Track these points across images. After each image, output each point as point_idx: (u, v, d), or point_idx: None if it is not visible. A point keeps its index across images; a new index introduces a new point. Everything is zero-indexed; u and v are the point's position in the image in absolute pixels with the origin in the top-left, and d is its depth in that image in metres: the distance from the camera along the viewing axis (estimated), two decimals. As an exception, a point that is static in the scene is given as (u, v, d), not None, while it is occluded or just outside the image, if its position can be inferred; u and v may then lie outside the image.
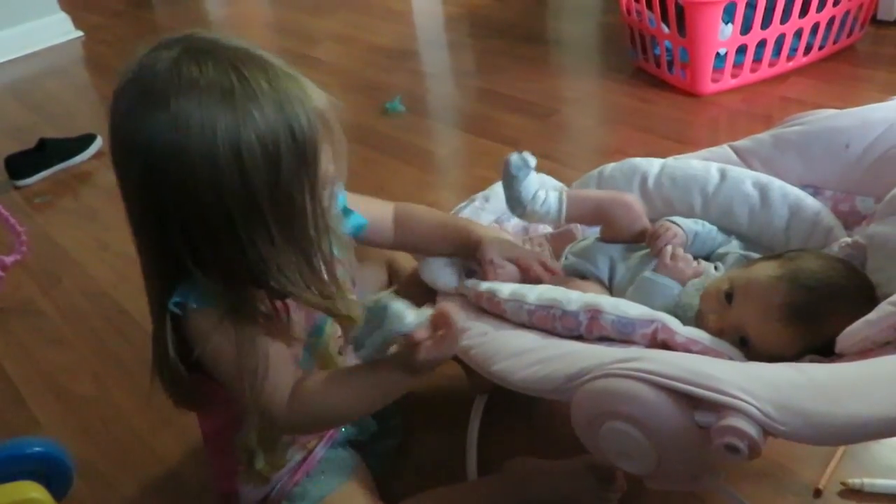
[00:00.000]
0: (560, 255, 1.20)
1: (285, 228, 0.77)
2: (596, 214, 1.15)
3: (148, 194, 0.76)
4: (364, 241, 1.05)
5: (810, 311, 0.91)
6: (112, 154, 0.79)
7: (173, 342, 0.83)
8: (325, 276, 0.84)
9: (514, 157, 1.06)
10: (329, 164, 0.80)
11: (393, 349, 0.86)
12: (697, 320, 0.99)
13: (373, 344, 0.84)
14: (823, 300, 0.91)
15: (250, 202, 0.74)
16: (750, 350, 0.93)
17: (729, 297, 0.96)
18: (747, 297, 0.95)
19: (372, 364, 0.87)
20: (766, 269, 0.96)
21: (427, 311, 0.84)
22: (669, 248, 1.06)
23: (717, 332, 0.95)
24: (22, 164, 2.20)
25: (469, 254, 1.08)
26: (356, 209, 1.02)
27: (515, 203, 1.09)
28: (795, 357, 0.91)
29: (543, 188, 1.09)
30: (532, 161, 1.06)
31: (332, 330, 0.98)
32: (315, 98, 0.78)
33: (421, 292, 1.11)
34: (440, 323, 0.83)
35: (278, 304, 0.85)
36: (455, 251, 1.10)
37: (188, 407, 0.96)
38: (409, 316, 0.82)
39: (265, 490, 1.00)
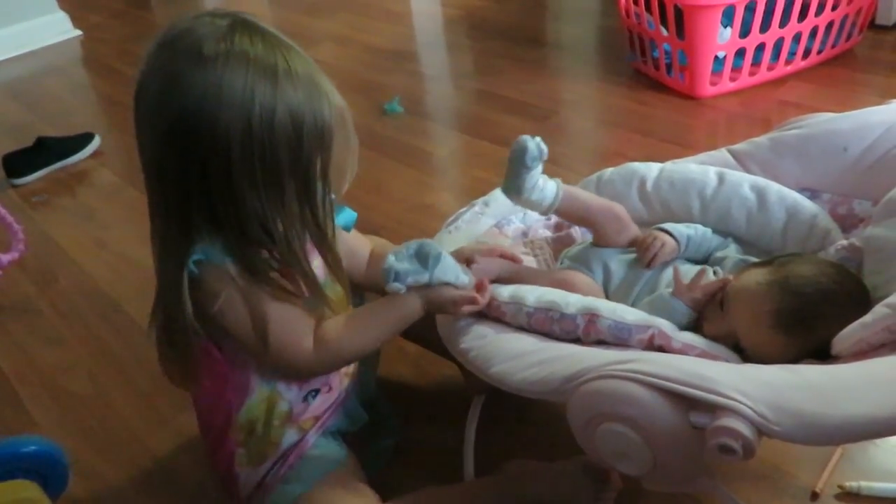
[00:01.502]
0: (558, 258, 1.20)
1: (299, 195, 0.86)
2: (584, 218, 1.16)
3: (176, 144, 0.81)
4: None
5: (800, 316, 0.91)
6: (139, 101, 0.84)
7: (188, 301, 0.87)
8: (332, 247, 0.93)
9: (532, 147, 1.03)
10: (340, 155, 0.88)
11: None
12: (696, 324, 1.00)
13: (416, 281, 0.95)
14: (813, 305, 0.91)
15: (272, 164, 0.82)
16: (746, 356, 0.94)
17: (722, 304, 0.97)
18: (738, 304, 0.95)
19: (390, 299, 0.97)
20: (757, 276, 0.96)
21: (469, 274, 1.00)
22: (690, 267, 1.04)
23: (713, 339, 0.95)
24: (19, 163, 2.20)
25: None
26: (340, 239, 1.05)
27: (514, 190, 1.08)
28: (791, 362, 0.91)
29: (544, 177, 1.09)
30: (546, 152, 1.04)
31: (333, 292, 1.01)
32: (335, 97, 0.87)
33: None
34: (479, 288, 0.99)
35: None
36: None
37: (188, 379, 0.98)
38: (464, 276, 0.99)
39: (261, 472, 1.01)
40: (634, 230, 1.14)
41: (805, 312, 0.90)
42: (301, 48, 0.87)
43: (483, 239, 1.20)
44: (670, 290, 1.04)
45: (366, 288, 1.15)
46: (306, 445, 1.02)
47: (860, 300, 0.92)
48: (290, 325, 0.92)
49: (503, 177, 1.09)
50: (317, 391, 1.02)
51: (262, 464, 1.01)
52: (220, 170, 0.81)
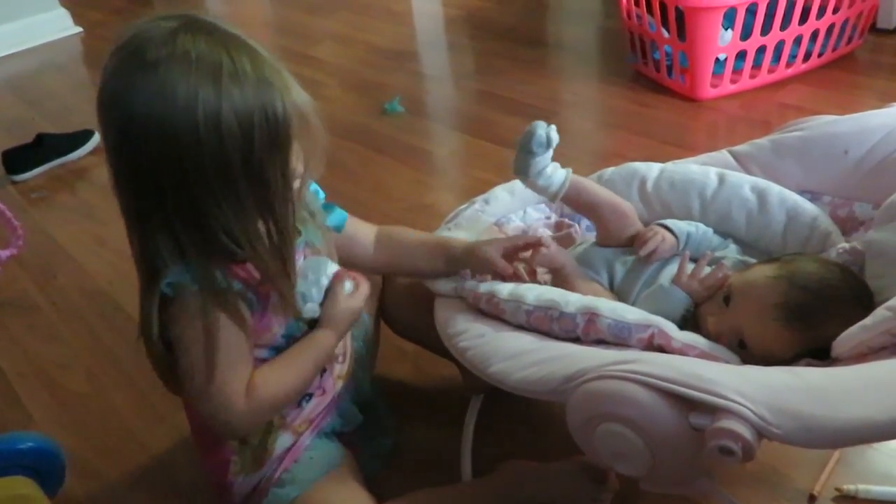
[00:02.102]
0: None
1: (256, 197, 0.82)
2: (590, 211, 1.17)
3: (128, 153, 0.80)
4: (344, 260, 1.05)
5: (806, 311, 0.91)
6: (97, 112, 0.82)
7: (158, 323, 0.86)
8: (290, 254, 0.89)
9: (540, 134, 1.04)
10: (301, 155, 0.85)
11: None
12: (696, 323, 1.00)
13: (317, 280, 0.96)
14: (820, 301, 0.91)
15: (224, 167, 0.79)
16: (747, 353, 0.94)
17: (727, 299, 0.97)
18: (745, 298, 0.95)
19: (301, 340, 0.96)
20: (764, 271, 0.97)
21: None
22: (689, 265, 1.05)
23: (716, 335, 0.96)
24: (19, 159, 2.20)
25: (454, 265, 1.09)
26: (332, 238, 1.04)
27: (521, 172, 1.09)
28: (791, 360, 0.91)
29: (553, 164, 1.10)
30: (555, 141, 1.05)
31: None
32: (295, 94, 0.83)
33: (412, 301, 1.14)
34: (355, 279, 1.00)
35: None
36: (437, 265, 1.10)
37: (176, 388, 0.96)
38: (333, 266, 0.98)
39: (256, 478, 1.00)
40: (638, 227, 1.14)
41: (811, 307, 0.91)
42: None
43: (483, 237, 1.20)
44: (666, 281, 1.04)
45: (376, 271, 1.14)
46: (301, 448, 1.01)
47: (863, 300, 0.92)
48: (237, 363, 0.89)
49: (503, 177, 1.10)
50: (310, 395, 1.01)
51: (257, 471, 1.00)
52: (174, 177, 0.78)
